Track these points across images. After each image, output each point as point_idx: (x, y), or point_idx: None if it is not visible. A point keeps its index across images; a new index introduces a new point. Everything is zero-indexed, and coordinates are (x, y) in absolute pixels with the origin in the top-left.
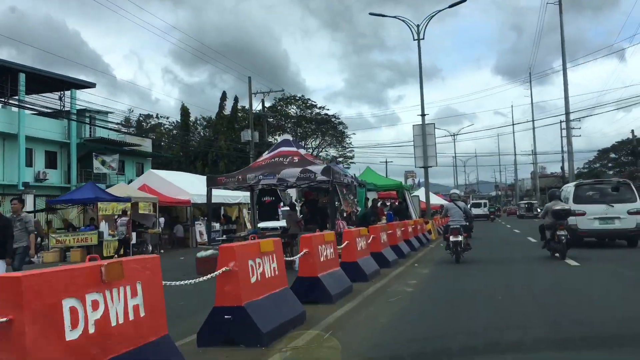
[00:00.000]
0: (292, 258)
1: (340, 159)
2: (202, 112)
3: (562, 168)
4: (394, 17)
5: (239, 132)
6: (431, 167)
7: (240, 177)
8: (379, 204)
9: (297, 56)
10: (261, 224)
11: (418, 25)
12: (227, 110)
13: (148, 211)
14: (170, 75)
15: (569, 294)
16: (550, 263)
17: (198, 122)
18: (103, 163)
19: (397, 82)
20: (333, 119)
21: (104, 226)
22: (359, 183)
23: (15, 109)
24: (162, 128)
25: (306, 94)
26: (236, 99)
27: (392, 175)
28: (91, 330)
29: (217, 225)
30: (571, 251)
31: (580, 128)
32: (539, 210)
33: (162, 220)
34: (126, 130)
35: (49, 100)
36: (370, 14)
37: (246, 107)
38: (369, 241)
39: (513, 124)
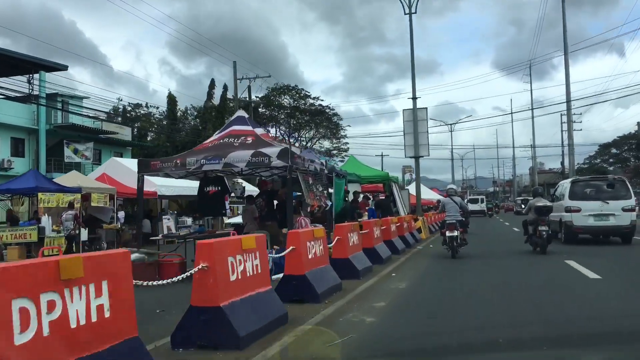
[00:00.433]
0: None
1: (334, 152)
2: (192, 102)
3: (562, 163)
4: None
5: None
6: (422, 157)
7: (178, 161)
8: (360, 198)
9: (296, 49)
10: (228, 220)
11: None
12: (217, 100)
13: (104, 203)
14: (167, 67)
15: (564, 290)
16: (546, 260)
17: (188, 112)
18: (75, 152)
19: (396, 76)
20: (327, 110)
21: (45, 220)
22: (338, 173)
23: None
24: (151, 118)
25: (305, 87)
26: (225, 87)
27: (389, 170)
28: (45, 332)
29: (188, 220)
30: (568, 247)
31: (581, 122)
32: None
33: (121, 214)
34: (103, 118)
35: (17, 83)
36: None
37: (244, 98)
38: (360, 236)
39: (512, 113)
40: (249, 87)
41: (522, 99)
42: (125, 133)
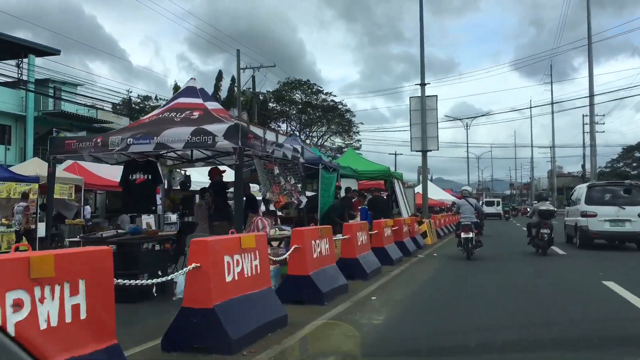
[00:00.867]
0: (173, 275)
1: (345, 150)
2: None
3: (583, 166)
4: None
5: None
6: (430, 150)
7: (99, 140)
8: (353, 196)
9: (313, 47)
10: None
11: None
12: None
13: (68, 196)
14: (185, 63)
15: (574, 293)
16: (562, 261)
17: None
18: None
19: (412, 74)
20: (340, 107)
21: None
22: (326, 165)
23: None
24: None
25: (322, 85)
26: (233, 80)
27: (403, 170)
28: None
29: (173, 217)
30: (581, 251)
31: (604, 123)
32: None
33: (87, 208)
34: (100, 107)
35: (6, 67)
36: None
37: (248, 88)
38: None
39: (531, 107)
40: (253, 77)
41: (541, 101)
42: (121, 123)
